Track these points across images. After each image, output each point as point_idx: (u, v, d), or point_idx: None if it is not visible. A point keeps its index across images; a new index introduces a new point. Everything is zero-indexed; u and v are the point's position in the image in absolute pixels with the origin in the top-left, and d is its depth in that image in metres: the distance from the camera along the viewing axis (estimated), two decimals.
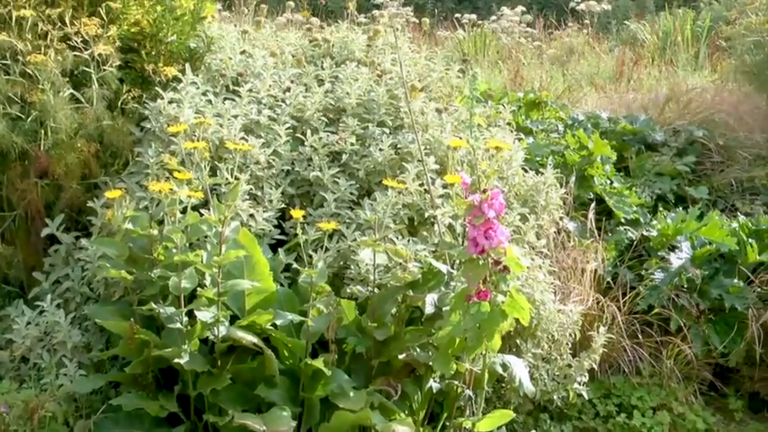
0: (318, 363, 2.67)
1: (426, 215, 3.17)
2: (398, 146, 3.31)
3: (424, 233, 3.14)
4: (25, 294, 3.15)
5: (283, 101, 3.45)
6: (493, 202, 2.52)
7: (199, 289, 2.70)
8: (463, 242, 2.79)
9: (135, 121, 3.26)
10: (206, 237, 2.79)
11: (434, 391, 2.86)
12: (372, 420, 2.61)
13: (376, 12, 4.83)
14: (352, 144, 3.31)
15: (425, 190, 3.15)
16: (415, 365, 2.82)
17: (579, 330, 3.29)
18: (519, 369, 2.81)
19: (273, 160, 3.22)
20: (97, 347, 2.95)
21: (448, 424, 2.88)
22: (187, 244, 2.71)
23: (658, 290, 3.59)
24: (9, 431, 2.68)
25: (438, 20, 10.26)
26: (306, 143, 3.29)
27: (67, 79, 3.11)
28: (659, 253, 3.78)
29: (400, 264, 2.92)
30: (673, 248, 3.74)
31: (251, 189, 3.12)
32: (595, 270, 3.59)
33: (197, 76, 3.38)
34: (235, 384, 2.72)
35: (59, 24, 3.15)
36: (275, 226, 3.13)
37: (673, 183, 4.53)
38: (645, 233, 3.91)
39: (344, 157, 3.30)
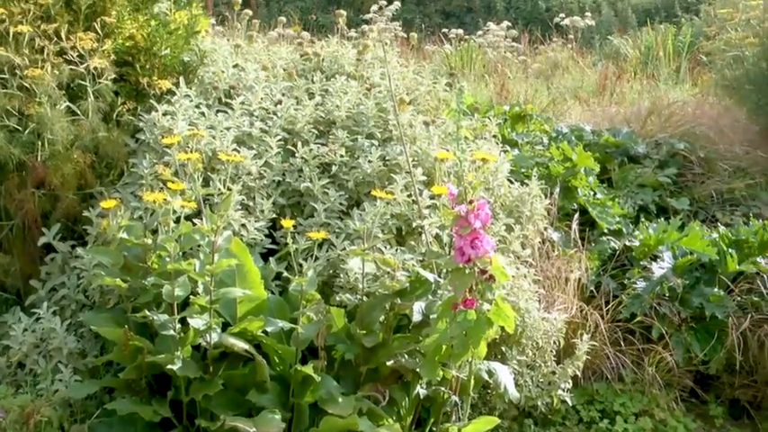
0: (308, 369, 2.69)
1: (414, 225, 3.19)
2: (387, 157, 3.33)
3: (412, 243, 3.16)
4: (22, 302, 3.16)
5: (275, 113, 3.46)
6: (479, 213, 2.54)
7: (192, 297, 2.72)
8: (450, 252, 2.78)
9: (130, 133, 3.28)
10: (199, 246, 2.80)
11: (421, 397, 2.87)
12: (360, 426, 2.62)
13: (365, 27, 4.86)
14: (341, 156, 3.33)
15: (413, 201, 3.17)
16: (403, 372, 2.83)
17: (563, 338, 3.30)
18: (504, 376, 2.83)
19: (265, 171, 3.24)
20: (92, 354, 2.96)
21: (435, 429, 2.90)
22: (180, 253, 2.72)
23: (640, 298, 3.60)
24: None
25: (426, 35, 10.30)
26: (297, 155, 3.31)
27: (64, 92, 3.13)
28: (641, 262, 3.79)
29: (388, 273, 2.94)
30: (655, 258, 3.76)
31: (243, 199, 3.14)
32: (579, 279, 3.61)
33: (190, 88, 3.41)
34: (226, 390, 2.73)
35: (56, 39, 3.18)
36: (266, 235, 3.14)
37: (655, 194, 4.54)
38: (627, 243, 3.92)
39: (334, 168, 3.32)
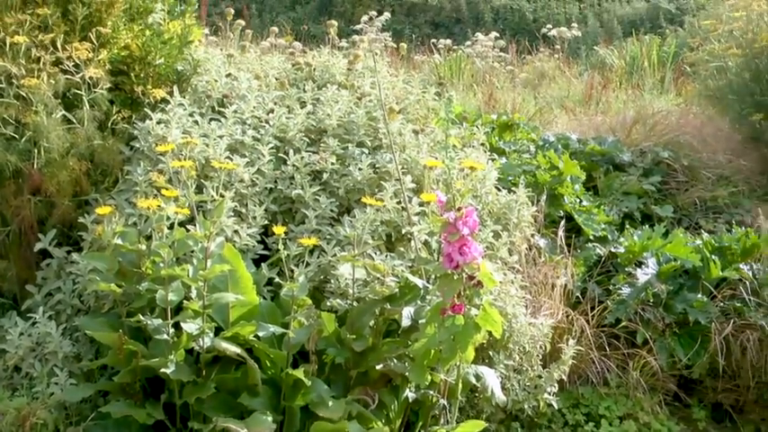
0: (299, 373, 2.70)
1: (403, 232, 3.20)
2: (377, 165, 3.35)
3: (401, 249, 3.17)
4: (18, 306, 3.17)
5: (267, 122, 3.48)
6: (467, 220, 2.56)
7: (185, 302, 2.74)
8: (439, 258, 2.78)
9: (124, 141, 3.30)
10: (192, 252, 2.81)
11: (410, 400, 2.88)
12: (350, 429, 2.63)
13: (356, 37, 4.91)
14: (332, 163, 3.34)
15: (403, 208, 3.19)
16: (392, 376, 2.85)
17: (549, 343, 3.32)
18: (491, 379, 2.85)
19: (257, 178, 3.25)
20: (87, 357, 2.97)
21: None
22: (174, 258, 2.75)
23: (625, 304, 3.63)
24: None
25: (415, 45, 10.36)
26: (288, 162, 3.32)
27: (60, 101, 3.15)
28: (626, 269, 3.81)
29: (378, 278, 2.95)
30: (639, 264, 3.78)
31: (235, 206, 3.15)
32: (565, 285, 3.62)
33: (184, 97, 3.42)
34: (219, 393, 2.75)
35: (52, 49, 3.20)
36: (258, 241, 3.16)
37: (639, 201, 4.58)
38: (612, 250, 3.94)
39: (325, 175, 3.34)
